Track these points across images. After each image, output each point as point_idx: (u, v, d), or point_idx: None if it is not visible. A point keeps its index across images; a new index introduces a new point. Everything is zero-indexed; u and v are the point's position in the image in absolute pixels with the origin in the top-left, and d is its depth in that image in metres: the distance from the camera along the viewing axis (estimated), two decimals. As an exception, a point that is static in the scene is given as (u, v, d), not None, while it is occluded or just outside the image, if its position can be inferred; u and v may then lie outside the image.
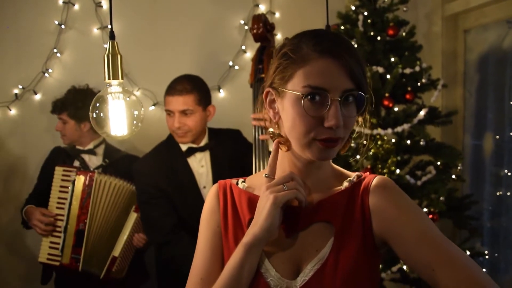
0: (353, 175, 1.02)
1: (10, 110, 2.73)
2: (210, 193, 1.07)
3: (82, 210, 2.29)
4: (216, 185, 1.08)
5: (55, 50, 2.73)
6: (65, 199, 2.32)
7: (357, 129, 1.04)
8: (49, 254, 2.33)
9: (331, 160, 1.02)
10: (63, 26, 2.73)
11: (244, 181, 1.07)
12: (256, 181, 1.06)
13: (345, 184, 1.00)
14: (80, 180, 2.30)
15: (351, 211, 0.96)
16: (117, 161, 2.49)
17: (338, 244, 0.94)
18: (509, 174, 2.50)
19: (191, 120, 2.15)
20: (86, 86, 2.51)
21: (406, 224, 0.92)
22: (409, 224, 0.92)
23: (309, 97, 0.90)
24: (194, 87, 2.16)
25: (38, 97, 2.75)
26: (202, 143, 2.24)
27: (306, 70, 0.91)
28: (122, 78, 1.33)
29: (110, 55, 1.29)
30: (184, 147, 2.21)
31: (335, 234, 0.95)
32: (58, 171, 2.36)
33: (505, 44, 2.51)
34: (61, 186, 2.34)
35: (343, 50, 0.90)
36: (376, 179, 0.98)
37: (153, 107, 2.80)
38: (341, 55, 0.89)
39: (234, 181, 1.08)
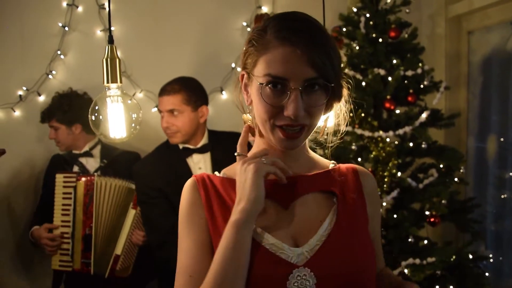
0: (330, 161, 1.09)
1: (14, 111, 2.75)
2: (187, 188, 1.02)
3: (87, 215, 2.32)
4: (191, 179, 1.03)
5: (58, 52, 2.75)
6: (70, 205, 2.35)
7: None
8: (60, 261, 2.36)
9: (307, 148, 1.06)
10: (66, 28, 2.75)
11: (219, 173, 1.06)
12: (234, 170, 1.04)
13: (331, 165, 1.06)
14: (81, 185, 2.33)
15: (346, 185, 1.02)
16: (115, 159, 2.50)
17: (343, 210, 0.98)
18: (514, 176, 2.48)
19: (179, 120, 2.16)
20: (70, 90, 2.54)
21: (376, 218, 1.07)
22: (376, 219, 1.08)
23: (269, 85, 0.90)
24: (183, 87, 2.18)
25: (42, 98, 2.77)
26: (200, 145, 2.24)
27: (267, 58, 0.90)
28: (121, 82, 1.34)
29: (108, 59, 1.30)
30: (180, 148, 2.22)
31: (338, 201, 0.99)
32: (59, 178, 2.38)
33: (509, 45, 2.49)
34: (64, 193, 2.37)
35: (306, 37, 0.88)
36: (356, 166, 1.08)
37: (155, 109, 2.81)
38: (303, 42, 0.87)
39: (209, 173, 1.05)
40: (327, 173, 1.03)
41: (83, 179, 2.34)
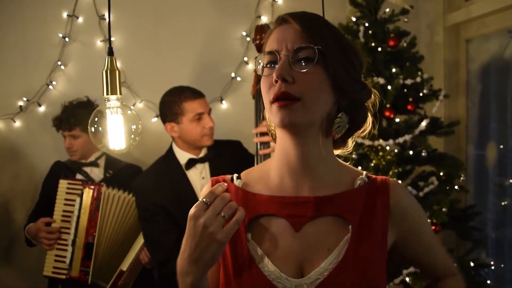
0: (362, 173, 1.00)
1: (15, 122, 2.76)
2: (202, 194, 0.99)
3: (91, 223, 2.29)
4: (208, 184, 1.01)
5: (59, 63, 2.76)
6: (71, 212, 2.32)
7: (359, 140, 1.05)
8: (54, 267, 2.33)
9: (334, 154, 0.99)
10: (67, 39, 2.76)
11: (239, 177, 1.01)
12: (254, 176, 1.00)
13: (358, 182, 0.97)
14: (89, 193, 2.31)
15: (371, 209, 0.94)
16: (119, 172, 2.50)
17: (356, 241, 0.90)
18: (514, 184, 2.48)
19: (213, 120, 2.23)
20: (87, 98, 2.51)
21: (420, 232, 1.02)
22: (422, 232, 1.03)
23: (268, 65, 0.93)
24: None
25: (42, 109, 2.78)
26: (202, 154, 2.24)
27: (267, 41, 0.96)
28: (120, 93, 1.35)
29: (108, 71, 1.31)
30: (184, 160, 2.20)
31: (352, 230, 0.91)
32: (62, 184, 2.36)
33: (507, 53, 2.50)
34: (66, 199, 2.34)
35: (296, 16, 0.93)
36: (391, 180, 1.00)
37: (155, 119, 2.82)
38: (293, 19, 0.92)
39: (228, 177, 1.01)
40: (349, 194, 0.94)
41: (92, 187, 2.32)
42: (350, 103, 0.94)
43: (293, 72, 0.88)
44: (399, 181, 2.19)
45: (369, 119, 1.00)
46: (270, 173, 0.98)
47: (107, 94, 1.32)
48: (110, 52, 1.32)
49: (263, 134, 2.04)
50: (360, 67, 0.96)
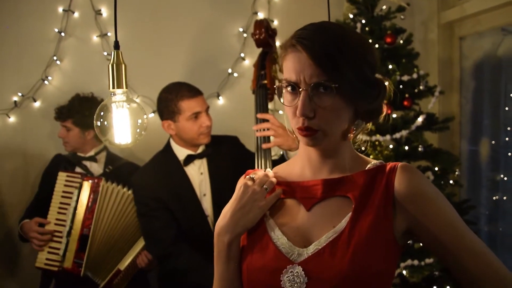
0: (376, 161, 1.04)
1: (9, 117, 2.73)
2: (240, 182, 1.10)
3: (87, 215, 2.29)
4: (244, 175, 1.12)
5: (54, 58, 2.74)
6: (68, 204, 2.32)
7: (360, 136, 1.08)
8: (47, 259, 2.31)
9: (352, 146, 1.06)
10: (63, 34, 2.74)
11: (270, 171, 1.12)
12: (281, 169, 1.12)
13: (369, 166, 1.03)
14: (87, 185, 2.31)
15: (372, 190, 0.98)
16: (119, 168, 2.49)
17: (355, 217, 0.96)
18: (505, 178, 2.53)
19: (211, 118, 2.21)
20: (91, 94, 2.51)
21: (433, 212, 0.95)
22: (436, 213, 0.96)
23: (287, 88, 0.98)
24: None
25: (37, 104, 2.76)
26: (200, 150, 2.24)
27: (284, 64, 0.99)
28: (126, 87, 1.35)
29: (114, 64, 1.31)
30: (182, 156, 2.20)
31: (353, 208, 0.97)
32: (62, 176, 2.35)
33: (500, 51, 2.55)
34: (64, 192, 2.33)
35: (314, 43, 0.93)
36: (402, 163, 1.00)
37: (152, 115, 2.82)
38: (311, 47, 0.93)
39: (261, 169, 1.14)
40: (357, 175, 1.01)
41: (90, 180, 2.32)
42: (367, 110, 1.01)
43: (313, 105, 0.94)
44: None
45: (384, 108, 1.05)
46: (294, 165, 1.10)
47: (113, 88, 1.32)
48: (116, 46, 1.32)
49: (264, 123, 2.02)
50: (375, 67, 1.00)
